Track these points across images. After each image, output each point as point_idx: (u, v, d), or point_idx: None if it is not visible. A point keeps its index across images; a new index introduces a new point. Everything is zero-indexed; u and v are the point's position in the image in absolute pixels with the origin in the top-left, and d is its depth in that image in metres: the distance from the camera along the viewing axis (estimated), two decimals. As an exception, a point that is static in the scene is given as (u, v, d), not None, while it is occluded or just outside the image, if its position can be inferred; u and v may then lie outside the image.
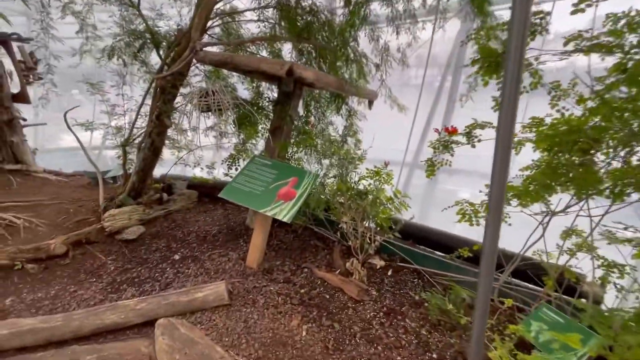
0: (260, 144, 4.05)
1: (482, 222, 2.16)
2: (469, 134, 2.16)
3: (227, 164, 3.56)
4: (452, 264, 2.57)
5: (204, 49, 2.96)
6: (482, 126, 2.15)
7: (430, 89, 4.82)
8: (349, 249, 3.19)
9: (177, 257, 3.12)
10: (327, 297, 2.55)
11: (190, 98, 2.70)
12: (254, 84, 3.90)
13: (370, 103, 3.65)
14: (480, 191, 2.31)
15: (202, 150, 4.23)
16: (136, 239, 3.40)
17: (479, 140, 2.16)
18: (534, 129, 2.03)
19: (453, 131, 2.27)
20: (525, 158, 2.27)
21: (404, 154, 4.75)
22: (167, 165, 4.56)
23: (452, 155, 2.32)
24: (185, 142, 3.92)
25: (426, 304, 2.35)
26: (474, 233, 2.57)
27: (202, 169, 4.35)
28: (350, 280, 2.61)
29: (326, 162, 3.77)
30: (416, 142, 4.76)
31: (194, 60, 3.18)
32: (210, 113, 2.88)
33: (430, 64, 4.47)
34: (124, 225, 3.39)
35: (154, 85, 3.45)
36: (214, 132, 3.93)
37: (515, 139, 2.13)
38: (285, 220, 2.61)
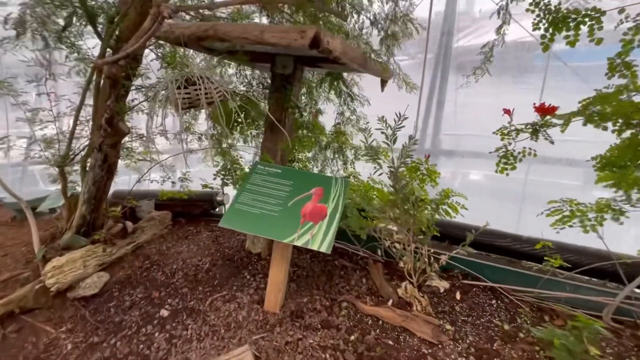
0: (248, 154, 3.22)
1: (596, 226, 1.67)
2: (586, 112, 1.61)
3: (221, 178, 2.70)
4: (539, 276, 2.08)
5: (172, 20, 2.04)
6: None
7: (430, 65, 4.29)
8: (388, 265, 2.59)
9: (165, 312, 2.27)
10: (391, 343, 1.93)
11: (164, 88, 1.82)
12: (239, 69, 3.02)
13: (384, 83, 3.00)
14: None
15: (174, 160, 3.29)
16: (99, 293, 2.46)
17: (601, 125, 1.62)
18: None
19: (551, 110, 1.72)
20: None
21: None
22: (119, 178, 3.54)
23: (552, 142, 1.77)
24: (150, 152, 2.96)
25: (523, 335, 1.84)
26: (551, 233, 2.10)
27: (173, 183, 3.40)
28: (414, 315, 2.01)
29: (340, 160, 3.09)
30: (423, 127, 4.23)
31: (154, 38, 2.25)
32: (192, 109, 2.02)
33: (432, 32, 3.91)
34: (77, 277, 2.42)
35: (95, 77, 2.45)
36: (191, 136, 3.02)
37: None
38: (324, 250, 1.91)
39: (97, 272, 2.57)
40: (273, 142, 2.71)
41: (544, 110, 1.72)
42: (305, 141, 2.64)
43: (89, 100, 2.55)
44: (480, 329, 1.93)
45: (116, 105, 2.17)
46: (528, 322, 1.93)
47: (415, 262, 2.18)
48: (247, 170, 2.45)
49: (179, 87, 1.85)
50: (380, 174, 2.20)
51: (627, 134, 1.68)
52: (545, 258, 1.98)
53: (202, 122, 3.52)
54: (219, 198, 4.15)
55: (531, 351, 1.75)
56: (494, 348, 1.81)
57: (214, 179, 2.75)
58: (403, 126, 1.78)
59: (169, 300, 2.38)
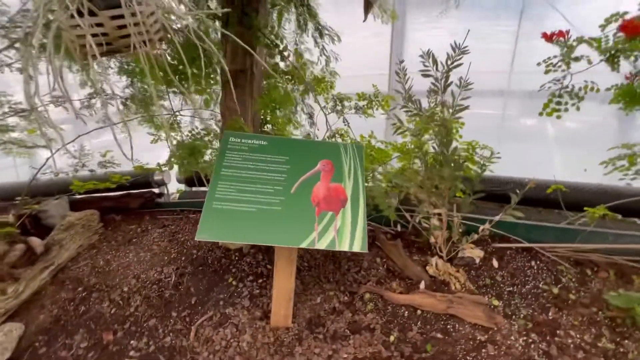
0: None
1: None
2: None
3: (177, 166, 1.86)
4: (577, 229, 1.89)
5: None
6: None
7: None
8: (399, 236, 2.22)
9: (133, 355, 1.61)
10: (440, 336, 1.62)
11: (45, 22, 0.93)
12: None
13: (369, 7, 2.32)
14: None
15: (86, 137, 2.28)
16: (15, 357, 1.65)
17: None
18: None
19: (634, 29, 1.32)
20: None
21: (388, 79, 3.65)
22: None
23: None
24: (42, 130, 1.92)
25: (574, 297, 1.66)
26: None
27: (92, 171, 2.41)
28: (459, 297, 1.70)
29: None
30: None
31: None
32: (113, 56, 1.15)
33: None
34: (-34, 346, 1.56)
35: None
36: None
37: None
38: (358, 250, 1.40)
39: (0, 325, 1.71)
40: (238, 101, 1.94)
41: (632, 27, 1.32)
42: (283, 96, 1.91)
43: None
44: (529, 298, 1.73)
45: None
46: (573, 279, 1.79)
47: (450, 233, 1.82)
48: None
49: (73, 16, 0.97)
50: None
51: None
52: (585, 209, 1.80)
53: (113, 76, 2.45)
54: (156, 177, 3.24)
55: (590, 314, 1.61)
56: (551, 317, 1.63)
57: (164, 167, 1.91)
58: (461, 63, 1.24)
59: (132, 342, 1.69)
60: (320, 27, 2.64)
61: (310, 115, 2.92)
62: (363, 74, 3.82)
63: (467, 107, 1.29)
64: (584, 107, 1.57)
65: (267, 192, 1.50)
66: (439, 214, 1.74)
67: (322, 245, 1.39)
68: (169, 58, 1.49)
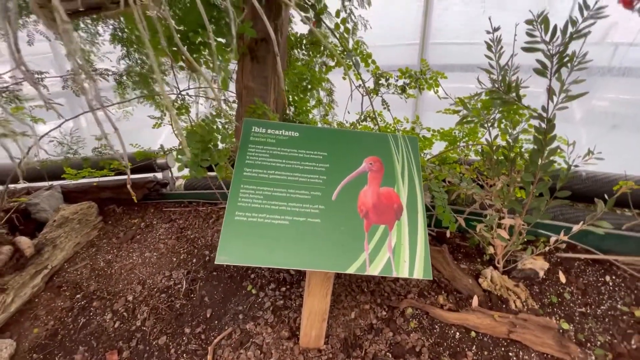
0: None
1: None
2: None
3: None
4: None
5: None
6: None
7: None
8: (443, 240, 1.94)
9: (140, 390, 1.38)
10: (503, 367, 1.37)
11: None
12: None
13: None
14: None
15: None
16: (4, 383, 1.42)
17: None
18: None
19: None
20: None
21: (419, 50, 3.19)
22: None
23: None
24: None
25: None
26: None
27: (85, 159, 2.09)
28: (523, 319, 1.44)
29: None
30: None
31: None
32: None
33: None
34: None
35: None
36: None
37: None
38: (420, 276, 1.11)
39: (-12, 344, 1.47)
40: (259, 79, 1.58)
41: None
42: (313, 72, 1.53)
43: None
44: (606, 321, 1.47)
45: None
46: (657, 300, 1.53)
47: (515, 241, 1.53)
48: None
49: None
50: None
51: None
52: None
53: (106, 45, 2.05)
54: (159, 160, 2.93)
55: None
56: (635, 347, 1.38)
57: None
58: (588, 32, 0.88)
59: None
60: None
61: (329, 93, 2.55)
62: (389, 44, 3.38)
63: (582, 94, 0.95)
64: None
65: (303, 199, 1.19)
66: (507, 224, 1.44)
67: (374, 270, 1.10)
68: (173, 22, 1.13)
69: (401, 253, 1.14)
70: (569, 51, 0.94)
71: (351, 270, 1.10)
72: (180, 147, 1.28)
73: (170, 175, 3.08)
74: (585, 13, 0.83)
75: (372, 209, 1.20)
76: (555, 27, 0.87)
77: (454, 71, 3.42)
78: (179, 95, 1.89)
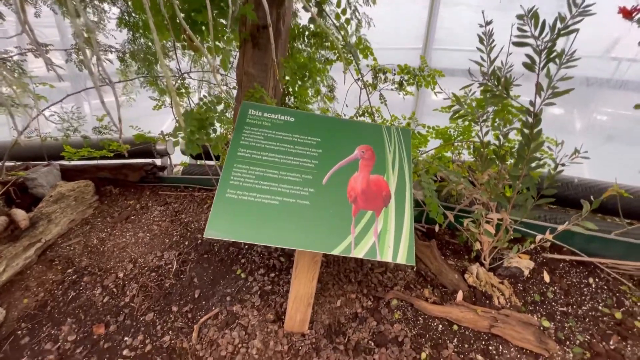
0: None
1: None
2: None
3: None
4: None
5: None
6: None
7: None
8: (432, 236, 1.97)
9: (127, 355, 1.40)
10: (481, 359, 1.39)
11: None
12: None
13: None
14: None
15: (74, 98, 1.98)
16: (-9, 349, 1.45)
17: None
18: None
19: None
20: None
21: (423, 45, 3.22)
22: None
23: None
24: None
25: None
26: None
27: (85, 137, 2.11)
28: (505, 315, 1.47)
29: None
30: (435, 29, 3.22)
31: None
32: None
33: None
34: None
35: None
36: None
37: None
38: (403, 261, 1.14)
39: (-23, 310, 1.49)
40: (259, 65, 1.61)
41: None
42: (313, 62, 1.56)
43: None
44: (586, 321, 1.49)
45: None
46: (639, 303, 1.55)
47: (502, 237, 1.55)
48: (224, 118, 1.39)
49: None
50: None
51: None
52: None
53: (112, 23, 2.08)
54: (159, 147, 2.96)
55: (661, 347, 1.38)
56: (613, 347, 1.40)
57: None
58: (576, 29, 0.90)
59: (126, 338, 1.48)
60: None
61: (331, 89, 2.59)
62: (391, 47, 3.42)
63: (568, 91, 0.98)
64: None
65: (294, 182, 1.22)
66: (493, 219, 1.46)
67: (359, 253, 1.13)
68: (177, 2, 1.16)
69: (386, 238, 1.16)
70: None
71: (336, 251, 1.12)
72: (178, 125, 1.31)
73: (169, 162, 3.12)
74: (574, 10, 0.86)
75: (361, 195, 1.23)
76: (544, 22, 0.90)
77: (455, 76, 3.46)
78: (181, 77, 1.92)
